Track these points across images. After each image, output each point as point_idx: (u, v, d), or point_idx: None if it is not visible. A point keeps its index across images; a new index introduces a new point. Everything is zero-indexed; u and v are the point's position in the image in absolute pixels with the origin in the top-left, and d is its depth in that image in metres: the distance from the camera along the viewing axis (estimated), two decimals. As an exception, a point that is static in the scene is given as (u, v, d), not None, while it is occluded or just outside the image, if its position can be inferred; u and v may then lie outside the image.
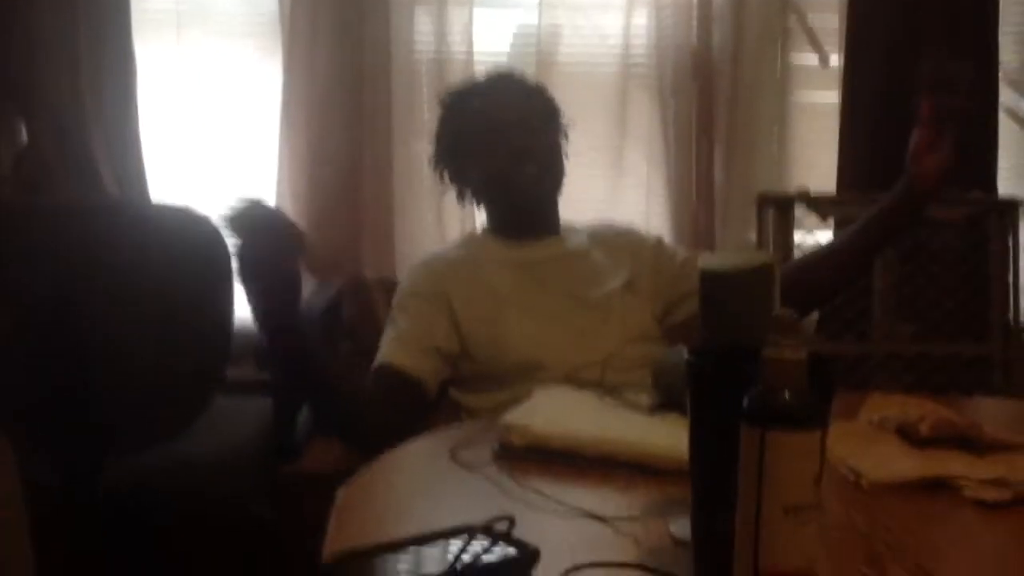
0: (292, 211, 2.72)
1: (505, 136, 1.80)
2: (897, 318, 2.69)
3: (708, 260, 1.01)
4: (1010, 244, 2.65)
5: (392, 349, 1.70)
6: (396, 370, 1.66)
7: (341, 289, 2.27)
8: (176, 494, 1.99)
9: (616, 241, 1.92)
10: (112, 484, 1.93)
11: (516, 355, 1.69)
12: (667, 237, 2.50)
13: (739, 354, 0.85)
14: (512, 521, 0.88)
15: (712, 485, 0.86)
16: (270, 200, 2.70)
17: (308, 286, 2.64)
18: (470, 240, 1.94)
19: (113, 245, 1.80)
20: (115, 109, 2.61)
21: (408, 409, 1.57)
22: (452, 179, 1.93)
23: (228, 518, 2.16)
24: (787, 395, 0.78)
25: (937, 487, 1.15)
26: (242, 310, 1.97)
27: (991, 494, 1.11)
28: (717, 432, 0.84)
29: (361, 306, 2.07)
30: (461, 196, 1.94)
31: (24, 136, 2.63)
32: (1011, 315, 2.65)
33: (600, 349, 1.67)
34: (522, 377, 1.63)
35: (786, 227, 2.62)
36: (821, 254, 1.85)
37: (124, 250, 1.80)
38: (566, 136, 1.94)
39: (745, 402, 0.79)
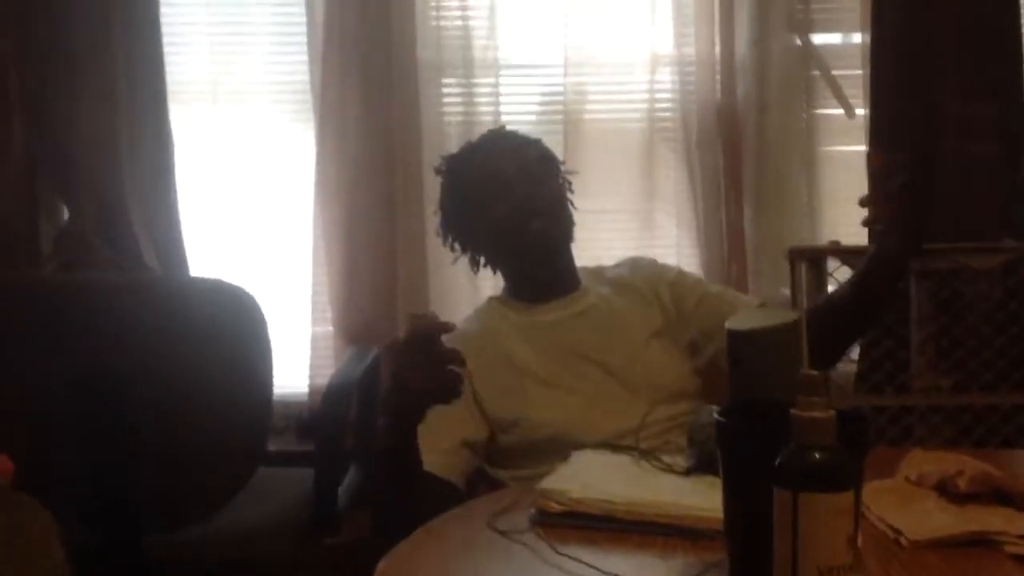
0: (327, 278, 2.76)
1: (507, 189, 1.79)
2: (936, 370, 2.67)
3: (735, 320, 1.01)
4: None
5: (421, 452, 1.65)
6: (427, 475, 1.62)
7: (378, 356, 2.28)
8: (218, 564, 1.99)
9: (639, 286, 1.87)
10: (153, 554, 1.94)
11: (540, 434, 1.66)
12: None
13: (769, 413, 0.85)
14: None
15: (748, 547, 0.87)
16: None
17: (344, 353, 2.68)
18: (487, 309, 1.90)
19: (151, 321, 1.82)
20: (153, 184, 2.68)
21: (444, 508, 1.55)
22: (463, 246, 1.91)
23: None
24: (818, 455, 0.79)
25: (977, 543, 1.14)
26: (282, 382, 2.00)
27: (1032, 549, 1.10)
28: (750, 493, 0.85)
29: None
30: (475, 262, 1.92)
31: (65, 214, 2.70)
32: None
33: (630, 417, 1.63)
34: (551, 454, 1.58)
35: (819, 280, 2.62)
36: (822, 311, 1.76)
37: (162, 326, 1.81)
38: (569, 185, 1.91)
39: (776, 462, 0.80)
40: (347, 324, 2.78)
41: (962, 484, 1.24)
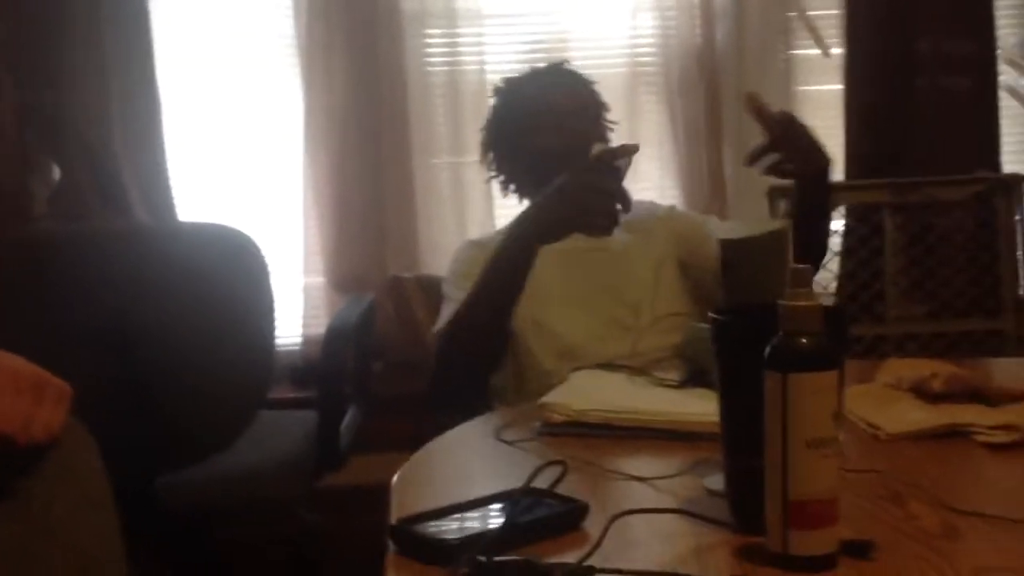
0: (317, 227, 2.82)
1: (561, 121, 1.88)
2: (910, 299, 2.76)
3: (725, 230, 1.09)
4: (1016, 220, 2.71)
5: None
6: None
7: (372, 302, 2.35)
8: (228, 503, 2.06)
9: (647, 227, 1.96)
10: (166, 497, 2.01)
11: (555, 340, 1.76)
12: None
13: (760, 311, 0.93)
14: (565, 467, 0.96)
15: (742, 430, 0.95)
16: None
17: (335, 302, 2.74)
18: None
19: (159, 266, 1.88)
20: (142, 138, 2.70)
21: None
22: (500, 166, 1.99)
23: (277, 523, 2.25)
24: (805, 340, 0.87)
25: (951, 435, 1.23)
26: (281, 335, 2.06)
27: (1001, 437, 1.19)
28: (743, 382, 0.92)
29: (399, 307, 2.15)
30: (506, 186, 2.00)
31: (56, 172, 2.73)
32: (1022, 289, 2.72)
33: (631, 340, 1.74)
34: (558, 361, 1.71)
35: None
36: None
37: (170, 271, 1.87)
38: (611, 132, 2.01)
39: (768, 349, 0.88)
40: (337, 274, 2.83)
41: (936, 385, 1.33)
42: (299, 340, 2.85)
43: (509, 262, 1.67)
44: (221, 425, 1.96)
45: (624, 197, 1.54)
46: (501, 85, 2.02)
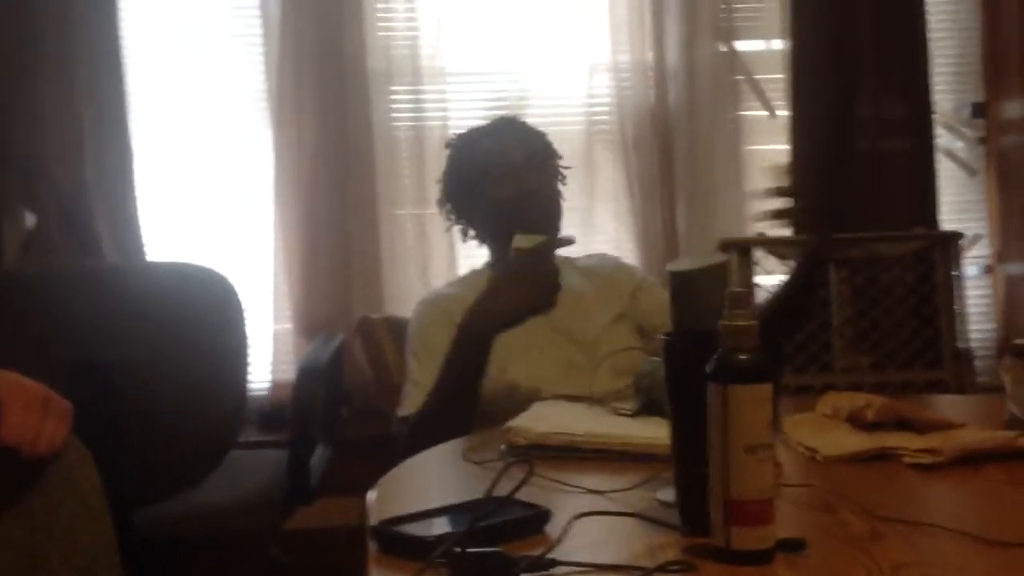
0: (286, 276, 2.91)
1: (512, 176, 1.98)
2: (855, 350, 2.89)
3: (675, 263, 1.20)
4: (954, 275, 2.86)
5: (417, 400, 1.88)
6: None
7: (342, 342, 2.43)
8: (201, 536, 2.12)
9: (607, 278, 2.11)
10: (141, 530, 2.06)
11: (516, 384, 1.86)
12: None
13: (704, 335, 1.04)
14: (531, 466, 1.06)
15: (689, 440, 1.05)
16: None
17: (306, 347, 2.81)
18: (473, 279, 2.08)
19: (132, 303, 1.95)
20: (115, 188, 2.79)
21: None
22: (458, 217, 2.10)
23: (246, 558, 2.30)
24: (743, 356, 0.98)
25: (881, 458, 1.34)
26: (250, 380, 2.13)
27: (926, 459, 1.30)
28: (690, 397, 1.03)
29: (368, 347, 2.23)
30: (465, 233, 2.11)
31: (30, 221, 2.80)
32: (960, 342, 2.86)
33: (587, 382, 1.82)
34: (519, 406, 1.75)
35: (747, 269, 2.83)
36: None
37: (143, 307, 1.94)
38: (563, 179, 2.12)
39: (710, 364, 0.98)
40: (305, 321, 2.92)
41: (870, 414, 1.44)
42: (268, 385, 2.93)
43: (469, 357, 1.79)
44: (192, 461, 2.02)
45: (557, 274, 1.76)
46: (454, 139, 2.12)
